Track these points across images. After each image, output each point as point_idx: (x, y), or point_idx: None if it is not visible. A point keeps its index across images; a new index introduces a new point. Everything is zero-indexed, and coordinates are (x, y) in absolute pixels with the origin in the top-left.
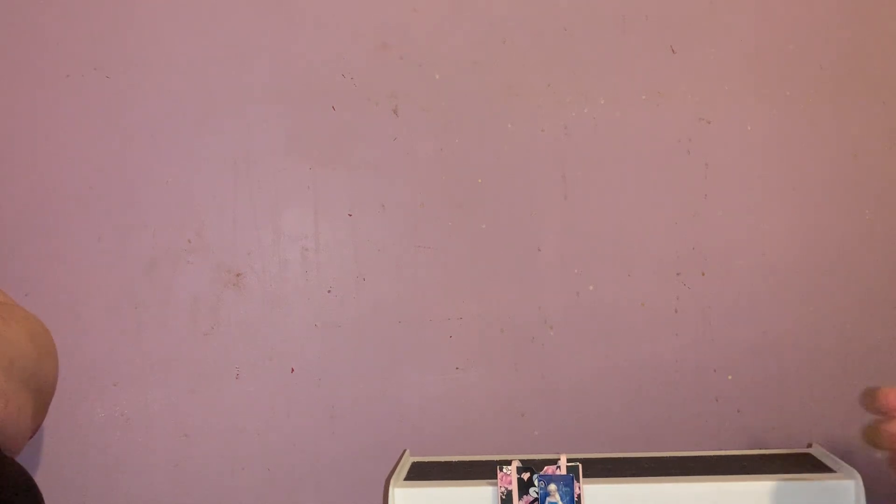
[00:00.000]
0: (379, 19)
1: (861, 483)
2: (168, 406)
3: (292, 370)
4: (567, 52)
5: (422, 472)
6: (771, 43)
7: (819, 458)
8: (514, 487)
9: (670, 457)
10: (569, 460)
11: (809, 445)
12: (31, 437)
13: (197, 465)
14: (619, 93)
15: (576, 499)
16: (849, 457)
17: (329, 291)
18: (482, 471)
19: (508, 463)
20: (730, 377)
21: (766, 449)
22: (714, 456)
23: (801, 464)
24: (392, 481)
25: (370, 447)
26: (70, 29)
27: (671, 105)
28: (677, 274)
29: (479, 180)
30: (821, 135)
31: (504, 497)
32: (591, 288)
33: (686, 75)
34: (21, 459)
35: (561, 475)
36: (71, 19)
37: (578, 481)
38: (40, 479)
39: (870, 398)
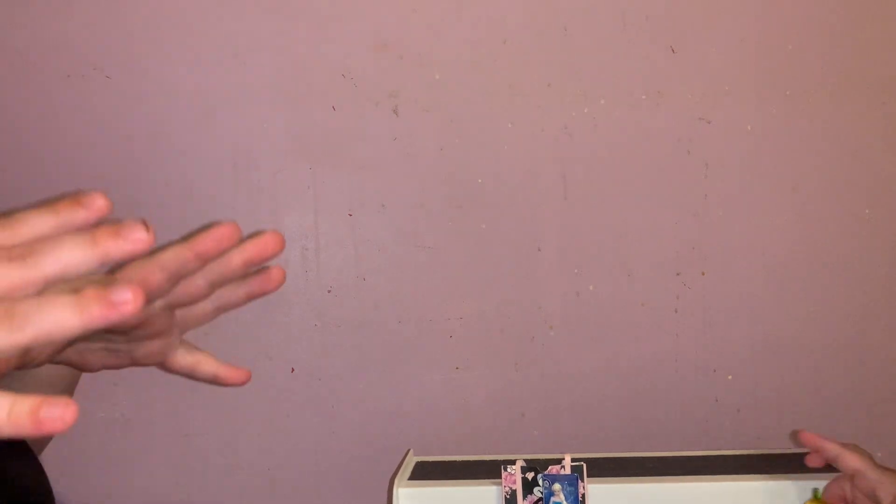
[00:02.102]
0: (379, 19)
1: None
2: (168, 406)
3: (292, 370)
4: (567, 52)
5: (426, 472)
6: (771, 43)
7: None
8: (519, 487)
9: (675, 457)
10: (573, 460)
11: None
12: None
13: (197, 465)
14: (619, 93)
15: (580, 498)
16: None
17: (329, 291)
18: (486, 470)
19: (513, 462)
20: (730, 377)
21: (766, 449)
22: (714, 456)
23: (801, 464)
24: (396, 481)
25: (369, 447)
26: (70, 29)
27: (671, 105)
28: (677, 274)
29: (479, 180)
30: (821, 134)
31: (508, 497)
32: (591, 288)
33: (686, 75)
34: None
35: (565, 475)
36: (71, 19)
37: (583, 481)
38: None
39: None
